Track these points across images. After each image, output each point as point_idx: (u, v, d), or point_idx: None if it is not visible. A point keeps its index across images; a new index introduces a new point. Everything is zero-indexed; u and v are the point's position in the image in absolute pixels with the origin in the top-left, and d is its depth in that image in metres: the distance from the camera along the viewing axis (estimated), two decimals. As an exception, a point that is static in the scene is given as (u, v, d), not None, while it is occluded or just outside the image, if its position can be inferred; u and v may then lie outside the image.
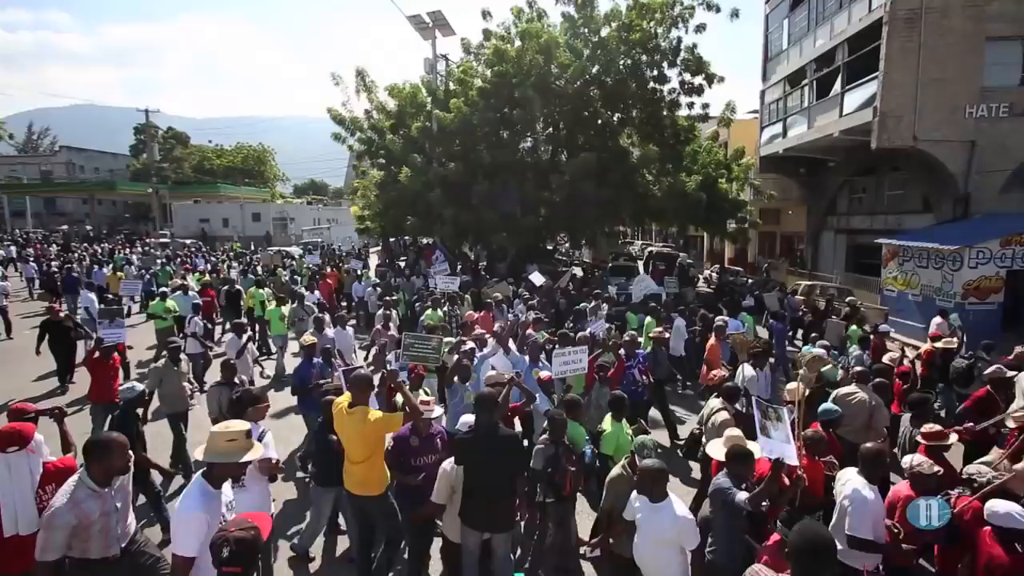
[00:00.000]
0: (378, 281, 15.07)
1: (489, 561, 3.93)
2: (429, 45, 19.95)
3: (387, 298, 11.86)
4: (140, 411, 5.54)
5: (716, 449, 4.05)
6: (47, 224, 45.32)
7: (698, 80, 17.92)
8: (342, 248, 31.14)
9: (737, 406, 5.25)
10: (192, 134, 71.24)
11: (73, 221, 47.03)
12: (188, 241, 34.48)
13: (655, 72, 17.62)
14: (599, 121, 17.72)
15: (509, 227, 16.52)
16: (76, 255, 23.84)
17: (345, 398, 4.23)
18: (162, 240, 33.80)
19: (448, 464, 3.92)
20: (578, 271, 18.06)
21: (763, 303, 12.86)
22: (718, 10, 17.10)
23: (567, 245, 28.66)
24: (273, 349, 11.43)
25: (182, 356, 6.94)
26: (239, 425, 3.23)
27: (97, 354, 6.80)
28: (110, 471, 3.14)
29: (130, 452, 3.30)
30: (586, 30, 17.41)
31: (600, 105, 17.67)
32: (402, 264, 20.48)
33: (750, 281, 18.36)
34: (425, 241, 27.70)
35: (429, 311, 10.24)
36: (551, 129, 18.39)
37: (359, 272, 16.41)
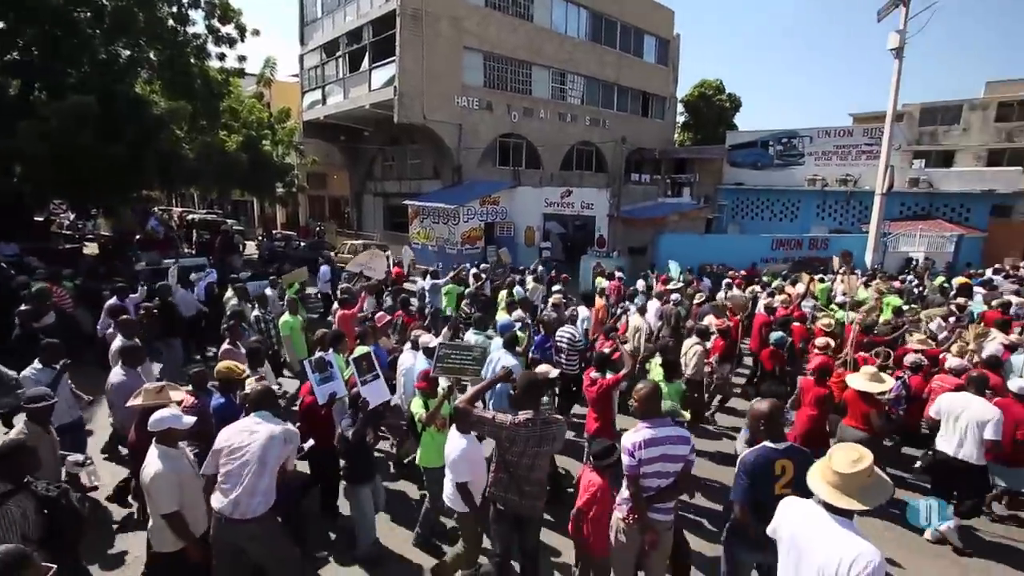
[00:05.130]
0: None
1: None
2: None
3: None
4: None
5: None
6: None
7: (228, 29, 16.47)
8: None
9: None
10: None
11: None
12: None
13: (174, 9, 15.20)
14: (100, 56, 14.06)
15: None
16: None
17: None
18: None
19: None
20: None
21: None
22: None
23: (72, 216, 22.24)
24: None
25: None
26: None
27: None
28: None
29: None
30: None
31: (98, 35, 14.01)
32: None
33: (303, 244, 18.83)
34: None
35: (286, 317, 7.46)
36: (16, 54, 13.42)
37: None
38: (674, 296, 9.14)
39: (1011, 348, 6.64)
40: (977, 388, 4.90)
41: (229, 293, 8.72)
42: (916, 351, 6.50)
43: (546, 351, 6.51)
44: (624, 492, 3.47)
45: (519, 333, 6.65)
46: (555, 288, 9.70)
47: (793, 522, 2.59)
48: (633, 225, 18.20)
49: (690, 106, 35.23)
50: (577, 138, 24.31)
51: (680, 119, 34.93)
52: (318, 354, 5.05)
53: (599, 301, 8.89)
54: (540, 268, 12.47)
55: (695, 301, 9.36)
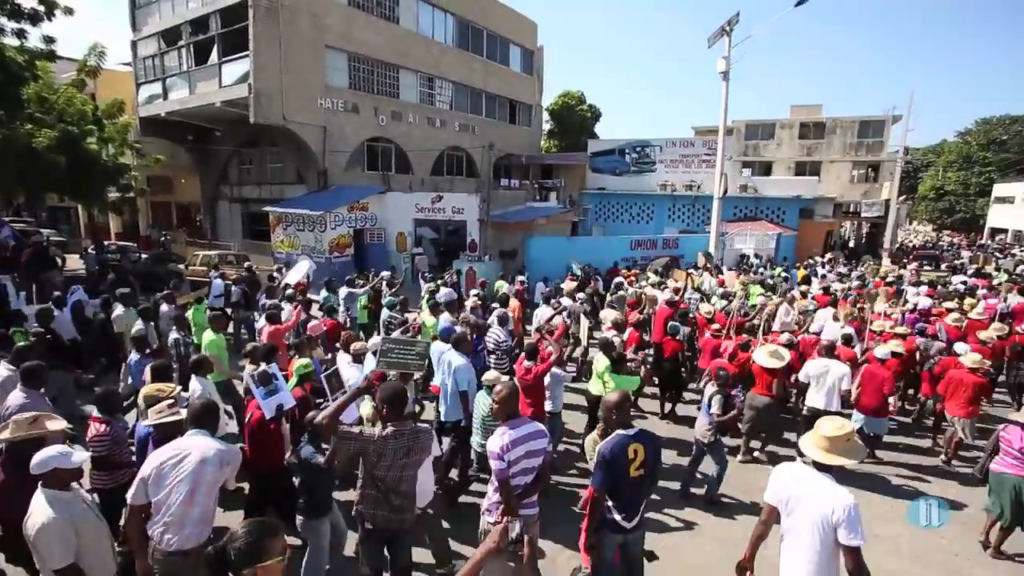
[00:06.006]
0: None
1: None
2: None
3: None
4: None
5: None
6: None
7: (31, 4, 14.03)
8: None
9: None
10: None
11: None
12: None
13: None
14: None
15: None
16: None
17: None
18: None
19: None
20: None
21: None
22: None
23: None
24: None
25: None
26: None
27: None
28: None
29: None
30: None
31: None
32: None
33: (144, 256, 16.67)
34: None
35: (211, 336, 6.90)
36: None
37: None
38: (580, 295, 10.35)
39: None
40: (829, 353, 6.37)
41: (120, 312, 7.88)
42: (783, 332, 8.08)
43: (478, 353, 6.99)
44: (493, 496, 3.54)
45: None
46: (473, 292, 10.12)
47: (789, 483, 3.08)
48: (503, 229, 18.73)
49: (555, 115, 37.09)
50: (447, 143, 24.40)
51: (546, 127, 36.61)
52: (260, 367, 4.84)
53: (514, 302, 9.73)
54: (456, 276, 13.12)
55: (607, 301, 10.49)
